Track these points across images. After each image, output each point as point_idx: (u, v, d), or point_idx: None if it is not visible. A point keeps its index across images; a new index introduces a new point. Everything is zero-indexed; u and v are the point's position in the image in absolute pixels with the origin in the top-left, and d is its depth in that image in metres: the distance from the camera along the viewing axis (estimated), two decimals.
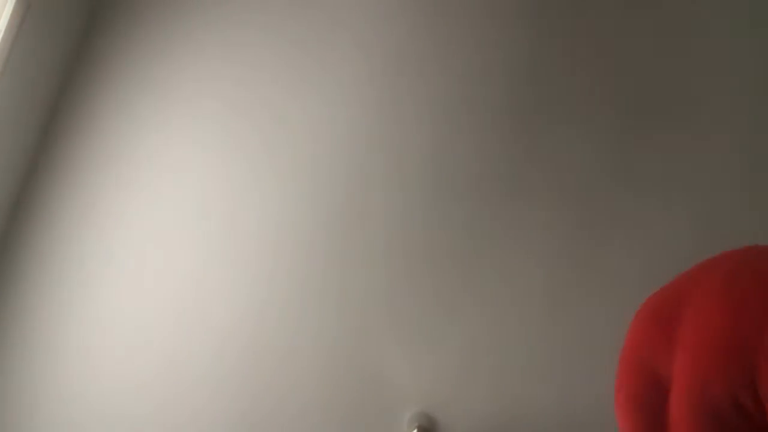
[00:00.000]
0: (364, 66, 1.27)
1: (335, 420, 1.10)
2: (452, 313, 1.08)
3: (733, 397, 0.35)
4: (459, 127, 1.17)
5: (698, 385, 0.38)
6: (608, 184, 1.06)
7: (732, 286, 0.40)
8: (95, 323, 1.32)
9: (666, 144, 1.05)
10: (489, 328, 1.05)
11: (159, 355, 1.24)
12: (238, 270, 1.24)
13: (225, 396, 1.17)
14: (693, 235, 0.99)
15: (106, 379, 1.27)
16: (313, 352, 1.14)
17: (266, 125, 1.31)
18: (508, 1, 1.18)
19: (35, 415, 1.31)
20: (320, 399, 1.11)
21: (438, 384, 1.05)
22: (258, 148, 1.30)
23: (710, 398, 0.37)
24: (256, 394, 1.15)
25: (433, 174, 1.16)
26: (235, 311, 1.21)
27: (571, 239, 1.05)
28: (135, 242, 1.34)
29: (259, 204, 1.26)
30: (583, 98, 1.11)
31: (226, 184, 1.30)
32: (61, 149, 1.49)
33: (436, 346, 1.07)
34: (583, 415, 0.98)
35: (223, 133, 1.34)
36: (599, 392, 0.97)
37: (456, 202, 1.13)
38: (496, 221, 1.10)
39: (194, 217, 1.31)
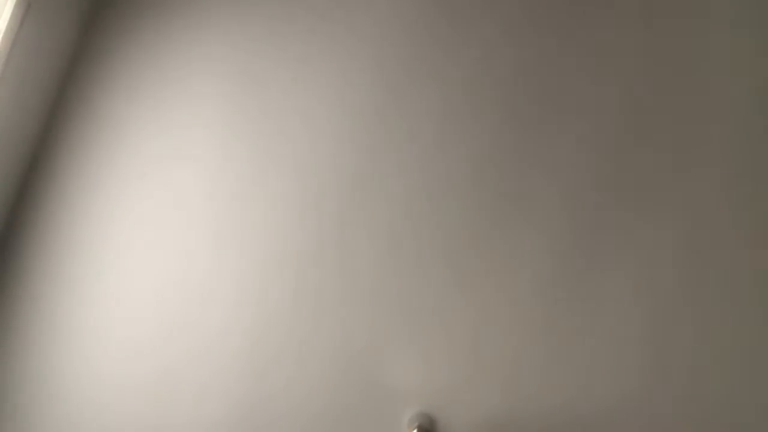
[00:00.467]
0: (366, 65, 1.27)
1: (335, 420, 1.09)
2: (452, 314, 1.06)
3: None
4: (459, 127, 1.16)
5: None
6: (607, 187, 1.04)
7: None
8: (95, 323, 1.32)
9: (659, 161, 1.03)
10: (489, 329, 1.04)
11: (159, 356, 1.24)
12: (240, 270, 1.23)
13: (225, 395, 1.17)
14: (684, 249, 0.97)
15: (106, 378, 1.27)
16: (312, 353, 1.13)
17: (268, 124, 1.31)
18: (514, 5, 1.17)
19: (35, 415, 1.31)
20: (320, 399, 1.11)
21: (438, 384, 1.04)
22: (261, 147, 1.30)
23: None
24: (256, 394, 1.15)
25: (434, 176, 1.15)
26: (235, 311, 1.21)
27: (571, 238, 1.04)
28: (135, 242, 1.34)
29: (262, 204, 1.25)
30: (583, 105, 1.10)
31: (228, 184, 1.30)
32: (61, 148, 1.49)
33: (437, 347, 1.06)
34: (583, 415, 0.96)
35: (225, 132, 1.34)
36: (600, 392, 0.96)
37: (456, 205, 1.12)
38: (496, 223, 1.09)
39: (196, 217, 1.30)
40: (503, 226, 1.08)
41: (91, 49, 1.54)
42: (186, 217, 1.31)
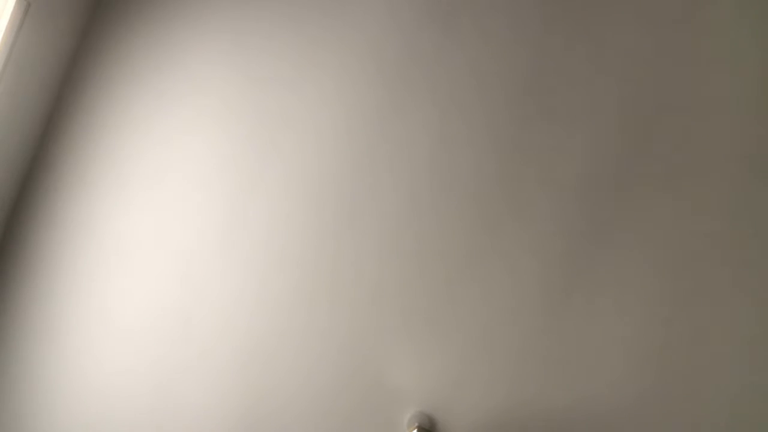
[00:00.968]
0: (367, 64, 1.26)
1: (335, 420, 1.08)
2: (452, 314, 1.06)
3: None
4: (460, 126, 1.15)
5: None
6: (607, 186, 1.04)
7: None
8: (95, 323, 1.32)
9: (659, 160, 1.03)
10: (489, 329, 1.03)
11: (159, 355, 1.24)
12: (240, 271, 1.23)
13: (225, 395, 1.16)
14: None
15: (106, 379, 1.27)
16: (312, 353, 1.13)
17: (268, 124, 1.30)
18: (516, 4, 1.17)
19: (34, 415, 1.31)
20: (320, 399, 1.10)
21: (438, 384, 1.04)
22: (261, 147, 1.29)
23: None
24: (255, 394, 1.14)
25: (435, 175, 1.15)
26: (236, 312, 1.20)
27: (571, 238, 1.03)
28: (135, 242, 1.34)
29: (263, 203, 1.25)
30: (584, 106, 1.09)
31: (229, 183, 1.29)
32: (61, 148, 1.49)
33: (437, 347, 1.06)
34: (583, 415, 0.96)
35: (225, 132, 1.34)
36: (600, 392, 0.95)
37: (457, 205, 1.11)
38: (496, 223, 1.08)
39: (196, 218, 1.30)
40: (503, 227, 1.07)
41: (91, 49, 1.54)
42: (186, 218, 1.31)
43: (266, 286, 1.19)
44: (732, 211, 0.97)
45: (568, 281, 1.01)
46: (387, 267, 1.12)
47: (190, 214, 1.31)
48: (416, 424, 1.02)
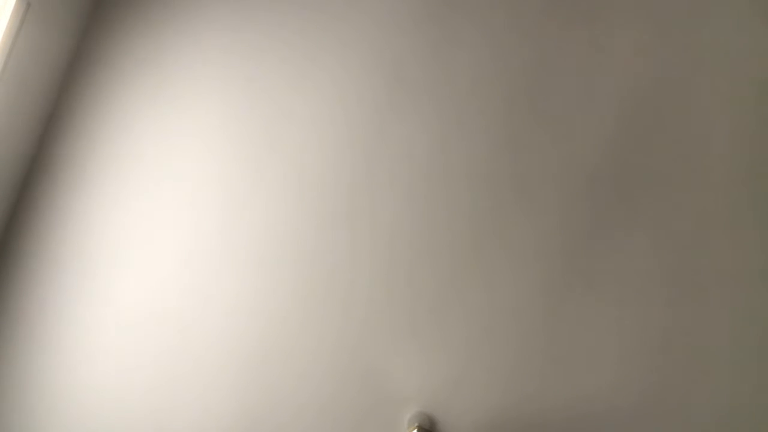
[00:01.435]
0: (367, 63, 1.26)
1: (335, 420, 1.08)
2: (452, 313, 1.05)
3: None
4: (461, 126, 1.15)
5: None
6: (608, 186, 1.03)
7: None
8: (94, 323, 1.31)
9: (660, 158, 1.02)
10: (489, 328, 1.03)
11: (160, 356, 1.23)
12: (239, 270, 1.22)
13: (224, 395, 1.16)
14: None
15: (105, 378, 1.26)
16: (312, 352, 1.12)
17: (268, 124, 1.30)
18: (519, 3, 1.17)
19: (33, 415, 1.30)
20: (320, 399, 1.10)
21: (438, 384, 1.03)
22: (261, 146, 1.29)
23: None
24: (255, 394, 1.14)
25: (435, 175, 1.14)
26: (235, 311, 1.20)
27: (572, 238, 1.03)
28: (135, 242, 1.34)
29: (262, 202, 1.25)
30: (583, 105, 1.09)
31: (228, 183, 1.29)
32: (61, 148, 1.49)
33: (436, 346, 1.05)
34: (583, 415, 0.95)
35: (225, 132, 1.34)
36: (600, 392, 0.94)
37: (457, 205, 1.11)
38: (496, 223, 1.08)
39: (196, 216, 1.30)
40: (503, 226, 1.07)
41: (91, 49, 1.54)
42: (186, 218, 1.31)
43: (266, 286, 1.19)
44: (732, 210, 0.96)
45: (569, 281, 1.01)
46: (386, 267, 1.12)
47: (189, 214, 1.30)
48: (416, 424, 1.01)
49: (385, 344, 1.08)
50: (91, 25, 1.55)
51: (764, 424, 0.87)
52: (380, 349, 1.08)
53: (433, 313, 1.06)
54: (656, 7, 1.09)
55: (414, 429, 1.00)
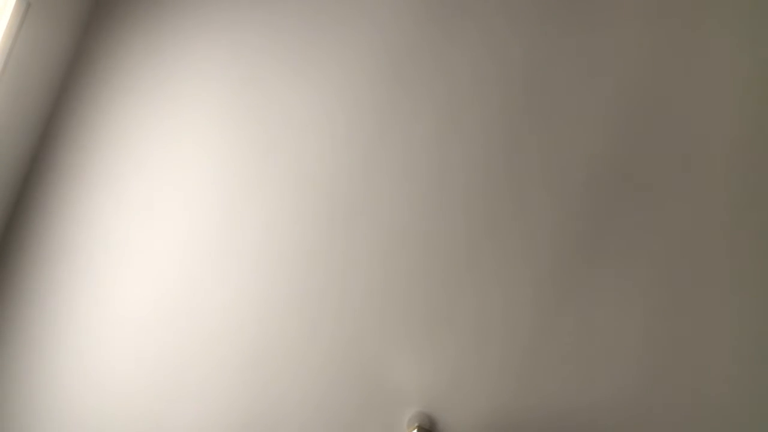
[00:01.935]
0: (367, 62, 1.26)
1: (334, 420, 1.08)
2: (452, 314, 1.05)
3: None
4: (462, 124, 1.15)
5: None
6: (608, 184, 1.03)
7: None
8: (94, 323, 1.31)
9: (661, 158, 1.02)
10: (489, 329, 1.02)
11: (160, 356, 1.23)
12: (238, 270, 1.22)
13: (224, 396, 1.16)
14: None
15: (106, 379, 1.26)
16: (312, 353, 1.12)
17: (267, 124, 1.30)
18: (520, 3, 1.16)
19: (34, 414, 1.30)
20: (319, 399, 1.09)
21: (438, 384, 1.03)
22: (260, 147, 1.29)
23: None
24: (255, 395, 1.14)
25: (436, 175, 1.14)
26: (234, 312, 1.20)
27: (572, 237, 1.02)
28: (135, 242, 1.33)
29: (260, 204, 1.25)
30: (586, 100, 1.09)
31: (229, 183, 1.29)
32: (61, 148, 1.49)
33: (437, 346, 1.05)
34: (584, 415, 0.94)
35: (225, 132, 1.33)
36: (600, 392, 0.94)
37: (457, 206, 1.11)
38: (496, 223, 1.07)
39: (197, 217, 1.30)
40: (504, 227, 1.06)
41: (91, 49, 1.54)
42: (186, 217, 1.30)
43: (265, 287, 1.19)
44: (732, 213, 0.95)
45: (569, 281, 1.00)
46: (386, 267, 1.11)
47: (189, 214, 1.30)
48: (416, 424, 1.01)
49: (386, 344, 1.08)
50: (91, 24, 1.55)
51: (764, 426, 0.87)
52: (380, 349, 1.08)
53: (434, 313, 1.06)
54: (656, 8, 1.08)
55: (414, 429, 1.00)
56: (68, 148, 1.48)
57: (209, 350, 1.19)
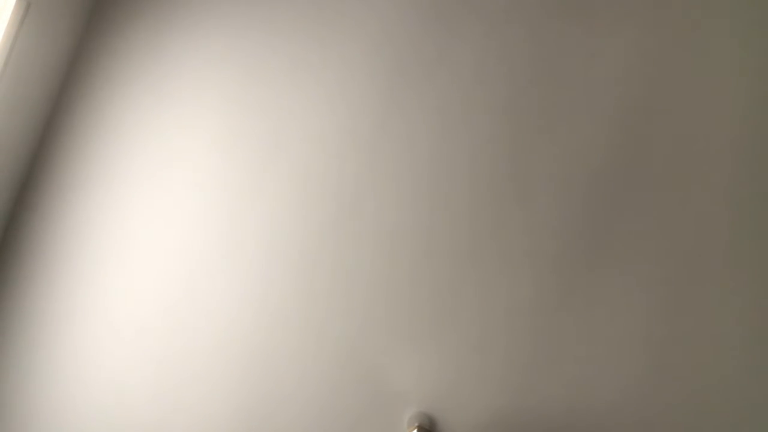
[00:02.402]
0: (367, 61, 1.26)
1: (335, 419, 1.07)
2: (453, 314, 1.05)
3: None
4: (461, 123, 1.14)
5: None
6: (609, 183, 1.03)
7: None
8: (94, 324, 1.31)
9: (662, 158, 1.01)
10: (490, 328, 1.02)
11: (160, 356, 1.23)
12: (239, 270, 1.22)
13: (225, 396, 1.15)
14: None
15: (106, 378, 1.26)
16: (313, 353, 1.12)
17: (268, 123, 1.30)
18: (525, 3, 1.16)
19: (33, 417, 1.30)
20: (320, 399, 1.09)
21: (438, 384, 1.03)
22: (262, 145, 1.29)
23: None
24: (255, 395, 1.13)
25: (436, 175, 1.14)
26: (235, 312, 1.20)
27: (572, 237, 1.02)
28: (136, 241, 1.33)
29: (262, 202, 1.24)
30: (581, 104, 1.08)
31: (228, 182, 1.29)
32: (61, 148, 1.49)
33: (437, 346, 1.04)
34: (584, 415, 0.94)
35: (225, 132, 1.33)
36: (600, 393, 0.94)
37: (457, 206, 1.10)
38: (496, 223, 1.07)
39: (196, 216, 1.30)
40: (506, 226, 1.06)
41: (91, 48, 1.54)
42: (187, 217, 1.30)
43: (267, 286, 1.19)
44: (733, 213, 0.95)
45: (571, 281, 1.00)
46: (387, 267, 1.11)
47: (191, 213, 1.30)
48: (416, 424, 1.00)
49: (386, 344, 1.07)
50: (91, 24, 1.55)
51: (764, 426, 0.86)
52: (381, 349, 1.08)
53: (434, 314, 1.06)
54: (657, 7, 1.08)
55: (414, 429, 0.99)
56: (68, 148, 1.48)
57: (210, 350, 1.19)
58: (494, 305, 1.03)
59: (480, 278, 1.04)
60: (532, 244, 1.03)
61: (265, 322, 1.17)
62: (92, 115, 1.48)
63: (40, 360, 1.33)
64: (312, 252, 1.17)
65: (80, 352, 1.30)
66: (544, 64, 1.12)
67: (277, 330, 1.15)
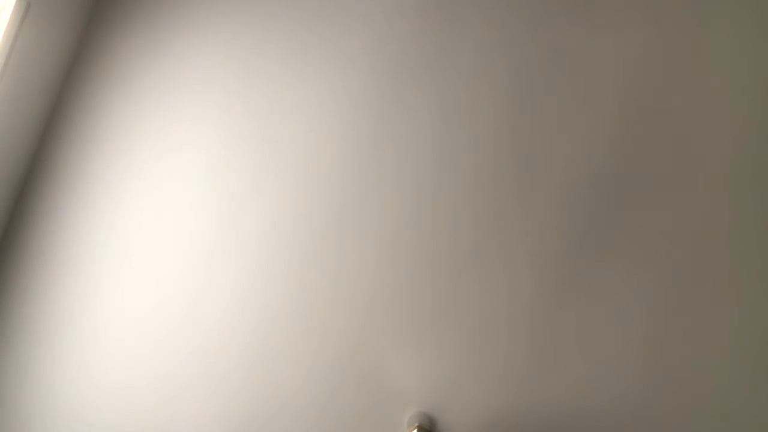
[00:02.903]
0: (367, 61, 1.26)
1: (335, 419, 1.07)
2: (453, 313, 1.05)
3: None
4: (461, 122, 1.14)
5: None
6: (609, 183, 1.03)
7: None
8: (95, 323, 1.31)
9: (661, 159, 1.01)
10: (490, 328, 1.02)
11: (160, 356, 1.23)
12: (239, 269, 1.22)
13: (225, 395, 1.15)
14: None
15: (106, 379, 1.26)
16: (314, 353, 1.12)
17: (269, 122, 1.30)
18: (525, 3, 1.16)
19: (35, 415, 1.30)
20: (320, 398, 1.09)
21: (438, 384, 1.03)
22: (262, 145, 1.29)
23: None
24: (255, 395, 1.13)
25: (436, 175, 1.14)
26: (235, 312, 1.20)
27: (573, 237, 1.02)
28: (136, 241, 1.33)
29: (262, 201, 1.24)
30: (581, 102, 1.08)
31: (228, 181, 1.29)
32: (61, 147, 1.49)
33: (437, 346, 1.04)
34: (583, 415, 0.94)
35: (226, 130, 1.33)
36: (600, 393, 0.94)
37: (457, 205, 1.10)
38: (496, 223, 1.07)
39: (197, 216, 1.30)
40: (506, 225, 1.06)
41: (91, 48, 1.54)
42: (187, 216, 1.30)
43: (268, 286, 1.19)
44: (733, 213, 0.95)
45: (572, 281, 1.00)
46: (388, 266, 1.11)
47: (191, 213, 1.30)
48: (416, 424, 1.00)
49: (386, 344, 1.07)
50: (91, 24, 1.55)
51: (764, 426, 0.86)
52: (381, 349, 1.08)
53: (435, 314, 1.06)
54: (659, 7, 1.08)
55: (414, 429, 0.99)
56: (68, 147, 1.48)
57: (211, 349, 1.19)
58: (495, 306, 1.03)
59: (481, 278, 1.05)
60: (533, 244, 1.03)
61: (267, 322, 1.16)
62: (92, 115, 1.48)
63: (39, 360, 1.33)
64: (312, 252, 1.17)
65: (80, 352, 1.30)
66: (547, 58, 1.12)
67: (278, 330, 1.15)
